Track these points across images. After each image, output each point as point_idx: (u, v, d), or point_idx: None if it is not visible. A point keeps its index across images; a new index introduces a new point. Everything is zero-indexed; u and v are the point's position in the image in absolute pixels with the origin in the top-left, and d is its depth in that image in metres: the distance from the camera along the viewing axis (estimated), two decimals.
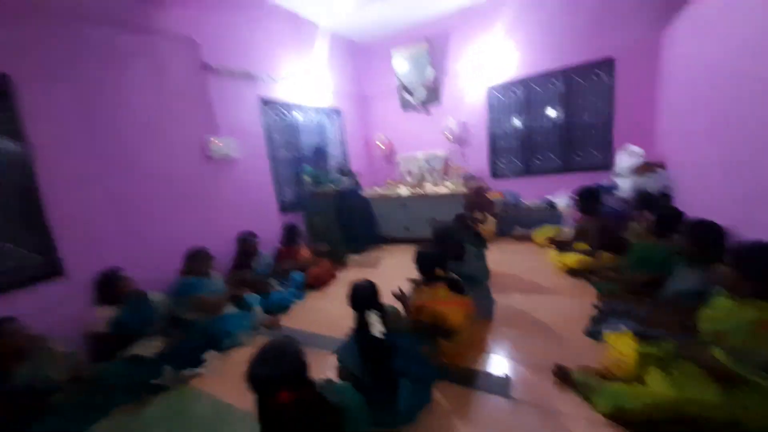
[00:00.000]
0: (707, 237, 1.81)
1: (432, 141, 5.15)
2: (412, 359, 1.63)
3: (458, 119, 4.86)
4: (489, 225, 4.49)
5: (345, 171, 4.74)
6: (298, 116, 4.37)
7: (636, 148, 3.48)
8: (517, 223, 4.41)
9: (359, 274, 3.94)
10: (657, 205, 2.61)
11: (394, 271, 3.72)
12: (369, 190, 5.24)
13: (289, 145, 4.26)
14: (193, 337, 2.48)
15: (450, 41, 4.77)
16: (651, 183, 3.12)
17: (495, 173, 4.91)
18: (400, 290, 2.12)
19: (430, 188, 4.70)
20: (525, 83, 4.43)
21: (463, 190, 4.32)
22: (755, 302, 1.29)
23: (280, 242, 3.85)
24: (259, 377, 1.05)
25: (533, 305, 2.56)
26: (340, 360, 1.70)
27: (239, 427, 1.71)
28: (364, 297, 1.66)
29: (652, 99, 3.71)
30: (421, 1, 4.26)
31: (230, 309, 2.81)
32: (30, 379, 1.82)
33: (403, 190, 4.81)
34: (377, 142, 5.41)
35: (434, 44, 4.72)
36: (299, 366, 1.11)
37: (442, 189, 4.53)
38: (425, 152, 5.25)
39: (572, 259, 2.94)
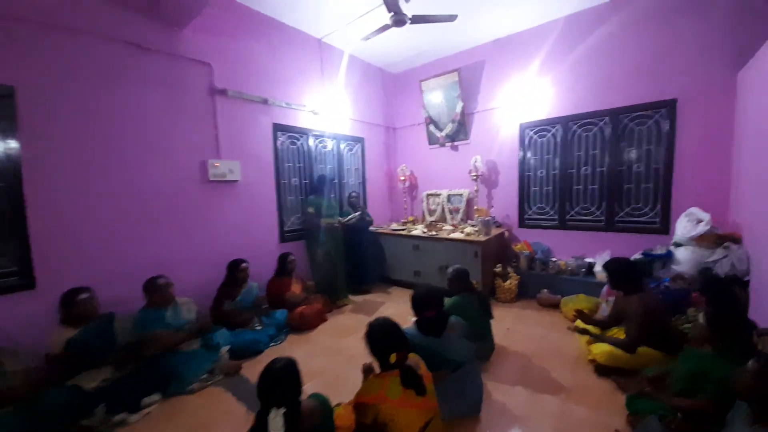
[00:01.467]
0: None
1: (457, 179, 4.76)
2: None
3: (486, 158, 4.41)
4: (510, 283, 3.87)
5: (354, 203, 4.48)
6: (314, 143, 4.24)
7: (701, 212, 2.74)
8: (544, 285, 3.73)
9: (351, 320, 3.55)
10: (718, 294, 1.86)
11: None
12: (383, 226, 4.92)
13: (302, 173, 4.13)
14: (141, 375, 2.27)
15: (483, 72, 4.43)
16: (719, 260, 2.37)
17: (523, 222, 4.30)
18: (370, 365, 1.69)
19: (445, 231, 4.23)
20: (564, 123, 3.88)
21: (481, 237, 3.79)
22: None
23: (274, 273, 3.64)
24: None
25: (536, 410, 1.96)
26: None
27: None
28: (271, 386, 1.25)
29: (726, 152, 2.96)
30: (454, 31, 4.01)
31: (193, 344, 2.57)
32: None
33: (418, 231, 4.40)
34: (399, 175, 5.13)
35: (465, 74, 4.42)
36: None
37: (458, 234, 4.03)
38: (449, 191, 4.84)
39: (600, 349, 2.26)
